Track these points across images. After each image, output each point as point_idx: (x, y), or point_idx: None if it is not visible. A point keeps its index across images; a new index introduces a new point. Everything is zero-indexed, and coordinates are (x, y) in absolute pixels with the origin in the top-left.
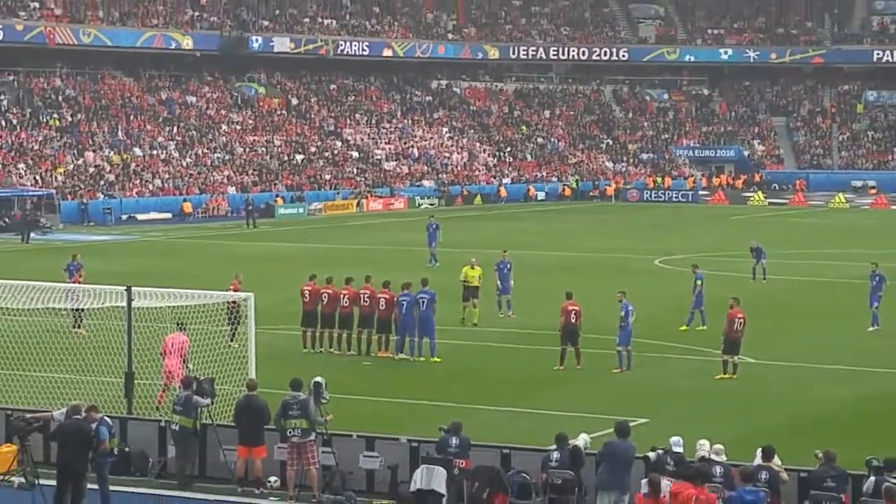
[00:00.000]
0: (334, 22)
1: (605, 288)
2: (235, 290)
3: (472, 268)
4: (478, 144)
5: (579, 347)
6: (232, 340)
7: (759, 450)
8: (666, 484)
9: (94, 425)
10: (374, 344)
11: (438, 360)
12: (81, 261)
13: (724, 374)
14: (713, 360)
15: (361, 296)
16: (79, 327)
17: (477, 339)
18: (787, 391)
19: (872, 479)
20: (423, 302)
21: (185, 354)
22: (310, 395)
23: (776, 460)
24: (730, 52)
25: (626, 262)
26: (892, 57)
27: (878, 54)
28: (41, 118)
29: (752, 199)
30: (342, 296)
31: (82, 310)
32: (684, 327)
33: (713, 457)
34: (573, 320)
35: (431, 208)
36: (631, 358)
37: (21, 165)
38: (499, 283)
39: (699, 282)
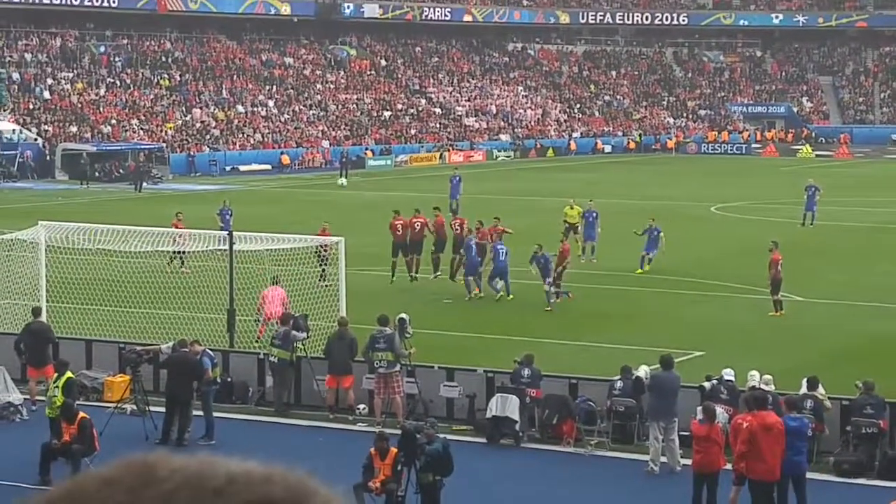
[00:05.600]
0: None
1: (666, 233)
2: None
3: (571, 208)
4: (550, 102)
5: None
6: (322, 280)
7: (805, 380)
8: (720, 411)
9: (197, 357)
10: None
11: (512, 297)
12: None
13: (776, 312)
14: (762, 297)
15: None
16: (182, 267)
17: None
18: (832, 326)
19: None
20: (502, 252)
21: (286, 303)
22: (395, 329)
23: (820, 390)
24: (780, 16)
25: (686, 209)
26: None
27: None
28: (152, 78)
29: (800, 151)
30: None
31: (184, 252)
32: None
33: (762, 386)
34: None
35: (507, 160)
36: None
37: (134, 121)
38: (580, 229)
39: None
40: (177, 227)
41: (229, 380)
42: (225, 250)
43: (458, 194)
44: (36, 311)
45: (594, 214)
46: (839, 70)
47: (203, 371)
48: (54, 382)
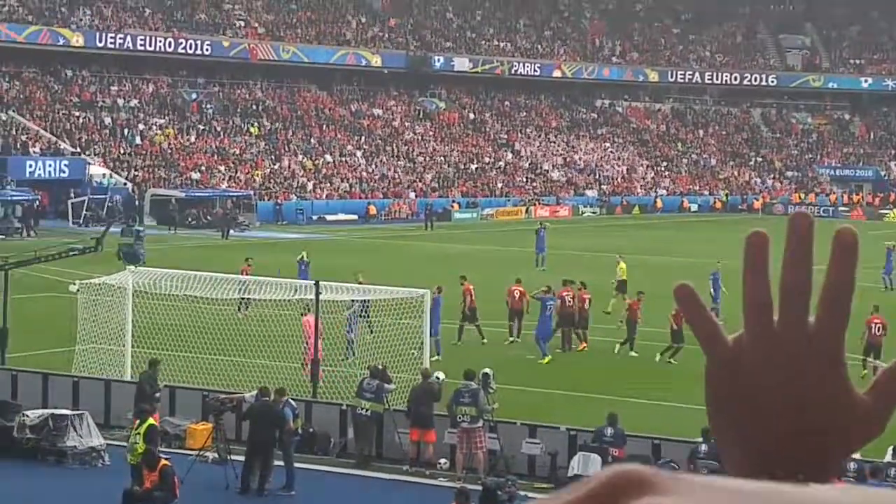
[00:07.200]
0: (509, 45)
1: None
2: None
3: (619, 263)
4: (637, 159)
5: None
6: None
7: (891, 448)
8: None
9: (280, 407)
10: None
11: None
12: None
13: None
14: (852, 361)
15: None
16: (245, 309)
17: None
18: None
19: None
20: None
21: (321, 331)
22: (479, 384)
23: None
24: (870, 80)
25: (772, 270)
26: None
27: None
28: (242, 126)
29: (888, 216)
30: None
31: (249, 298)
32: None
33: None
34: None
35: (594, 216)
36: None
37: (223, 168)
38: (712, 291)
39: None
40: (245, 273)
41: (312, 430)
42: (310, 300)
43: (545, 247)
44: (152, 363)
45: (717, 276)
46: None
47: (285, 421)
48: (136, 429)
